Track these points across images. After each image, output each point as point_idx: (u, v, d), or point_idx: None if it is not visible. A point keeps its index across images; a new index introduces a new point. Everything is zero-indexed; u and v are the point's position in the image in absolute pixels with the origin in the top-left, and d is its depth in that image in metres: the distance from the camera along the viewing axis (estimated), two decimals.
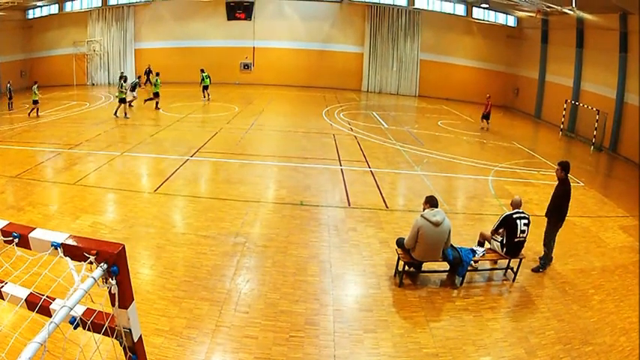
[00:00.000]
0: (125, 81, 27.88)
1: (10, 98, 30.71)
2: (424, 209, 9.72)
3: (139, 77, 32.00)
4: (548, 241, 10.99)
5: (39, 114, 27.93)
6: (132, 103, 30.45)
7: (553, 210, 10.92)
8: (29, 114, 27.69)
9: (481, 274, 10.78)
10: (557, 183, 11.08)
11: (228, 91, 39.98)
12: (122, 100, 27.14)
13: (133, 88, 31.17)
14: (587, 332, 8.62)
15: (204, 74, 33.87)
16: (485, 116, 29.04)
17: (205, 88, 34.23)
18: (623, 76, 26.46)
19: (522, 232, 10.15)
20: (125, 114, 27.30)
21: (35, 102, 27.78)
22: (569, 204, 11.01)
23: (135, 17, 43.72)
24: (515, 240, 10.15)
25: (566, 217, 11.14)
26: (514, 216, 10.21)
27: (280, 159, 19.74)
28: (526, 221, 10.26)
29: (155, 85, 31.32)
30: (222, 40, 44.40)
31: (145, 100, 31.22)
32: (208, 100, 33.85)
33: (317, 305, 9.01)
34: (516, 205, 10.40)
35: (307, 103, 35.28)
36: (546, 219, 11.11)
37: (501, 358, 7.90)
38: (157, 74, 32.25)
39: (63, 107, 30.11)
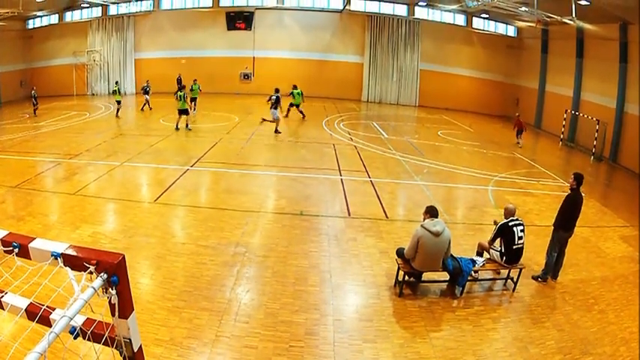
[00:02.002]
0: (182, 90, 27.41)
1: (35, 104, 31.18)
2: (424, 219, 9.72)
3: (278, 90, 27.96)
4: (550, 251, 10.97)
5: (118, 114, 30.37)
6: (278, 129, 27.30)
7: (558, 219, 10.94)
8: (117, 114, 30.58)
9: (481, 284, 10.78)
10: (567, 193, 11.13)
11: (229, 101, 40.04)
12: (183, 112, 26.88)
13: (274, 105, 27.47)
14: (587, 342, 8.60)
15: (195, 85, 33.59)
16: (519, 132, 28.62)
17: (193, 99, 33.48)
18: (623, 85, 26.54)
19: (520, 238, 10.18)
20: (185, 123, 27.20)
21: (118, 102, 30.37)
22: (578, 217, 11.00)
23: (135, 27, 43.86)
24: (514, 247, 10.16)
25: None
26: (510, 224, 10.23)
27: (280, 169, 19.75)
28: (522, 227, 10.31)
29: (192, 91, 32.41)
30: (222, 50, 44.54)
31: (302, 117, 30.47)
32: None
33: (317, 315, 9.00)
34: (511, 213, 10.39)
35: (307, 113, 35.30)
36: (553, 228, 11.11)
37: None
38: (195, 80, 33.46)
39: (63, 117, 30.14)
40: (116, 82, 31.24)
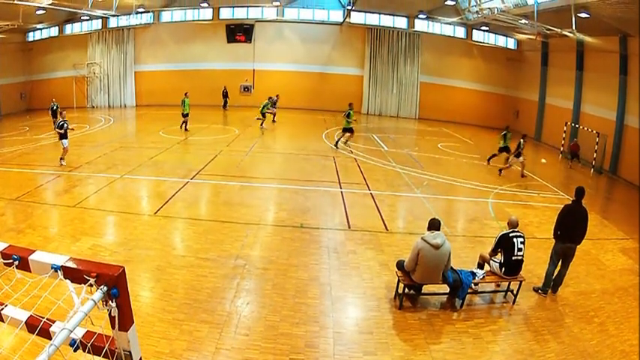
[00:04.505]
0: (352, 109, 27.06)
1: (55, 117, 30.35)
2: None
3: (525, 136, 23.42)
4: (549, 262, 10.99)
5: (187, 127, 30.35)
6: (524, 173, 23.35)
7: (554, 230, 10.98)
8: (184, 127, 30.45)
9: (481, 296, 10.77)
10: None
11: (229, 113, 40.11)
12: (348, 130, 26.82)
13: (518, 152, 23.29)
14: (587, 355, 8.58)
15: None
16: (574, 155, 28.37)
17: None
18: (623, 98, 26.59)
19: (519, 250, 10.19)
20: (346, 141, 27.30)
21: (185, 115, 29.95)
22: (581, 231, 10.94)
23: (135, 40, 44.06)
24: (513, 258, 10.18)
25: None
26: (510, 235, 10.26)
27: (280, 181, 19.76)
28: (522, 239, 10.34)
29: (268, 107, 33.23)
30: (222, 63, 44.67)
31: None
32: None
33: (317, 328, 8.99)
34: (513, 224, 10.43)
35: (307, 125, 35.40)
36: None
37: None
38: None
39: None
40: (185, 94, 30.67)
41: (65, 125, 20.79)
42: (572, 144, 27.88)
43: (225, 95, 42.82)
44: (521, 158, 23.38)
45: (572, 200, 10.99)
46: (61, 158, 20.84)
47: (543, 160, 19.39)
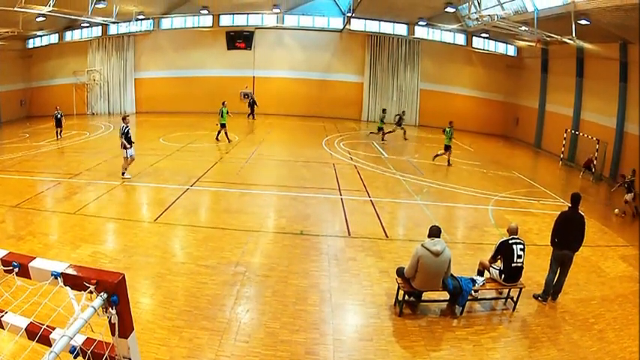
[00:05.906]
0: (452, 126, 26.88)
1: (59, 126, 29.85)
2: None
3: None
4: (548, 269, 10.99)
5: (229, 138, 29.65)
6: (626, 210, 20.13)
7: (551, 237, 10.99)
8: (227, 139, 29.61)
9: (481, 303, 10.75)
10: None
11: (228, 120, 40.09)
12: (448, 148, 26.57)
13: (630, 190, 20.41)
14: None
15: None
16: (587, 167, 28.17)
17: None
18: (623, 105, 26.63)
19: (519, 257, 10.19)
20: (448, 160, 27.03)
21: (222, 125, 29.05)
22: (578, 237, 10.92)
23: (135, 47, 44.21)
24: (513, 265, 10.19)
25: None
26: (510, 241, 10.29)
27: (280, 188, 19.76)
28: (522, 246, 10.35)
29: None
30: (222, 70, 44.78)
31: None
32: None
33: (317, 335, 8.98)
34: (512, 231, 10.45)
35: (307, 132, 35.39)
36: None
37: None
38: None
39: (63, 137, 30.12)
40: (223, 103, 29.60)
41: (129, 132, 19.90)
42: (588, 159, 27.88)
43: (252, 103, 42.28)
44: (628, 196, 20.26)
45: (569, 207, 10.99)
46: (123, 171, 20.12)
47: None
